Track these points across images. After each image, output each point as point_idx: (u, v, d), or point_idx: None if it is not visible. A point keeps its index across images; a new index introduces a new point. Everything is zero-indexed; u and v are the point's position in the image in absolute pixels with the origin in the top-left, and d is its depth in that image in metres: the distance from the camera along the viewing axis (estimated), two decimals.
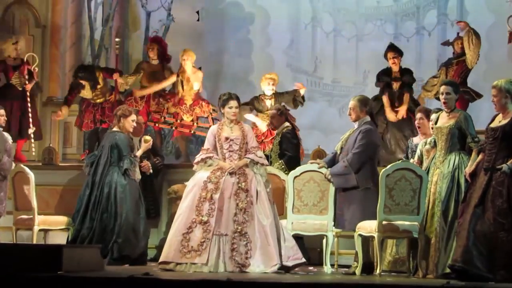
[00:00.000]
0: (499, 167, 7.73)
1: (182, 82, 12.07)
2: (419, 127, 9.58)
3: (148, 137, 10.14)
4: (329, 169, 8.91)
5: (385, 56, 11.95)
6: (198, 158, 8.90)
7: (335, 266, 9.43)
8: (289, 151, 10.43)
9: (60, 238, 10.46)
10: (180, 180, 10.60)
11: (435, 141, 8.65)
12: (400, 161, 8.86)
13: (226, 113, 8.90)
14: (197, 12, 15.56)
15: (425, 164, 8.80)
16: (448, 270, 7.94)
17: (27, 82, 12.37)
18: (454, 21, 15.00)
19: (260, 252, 8.46)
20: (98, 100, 12.35)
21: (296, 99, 11.75)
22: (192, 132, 12.23)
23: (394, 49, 11.92)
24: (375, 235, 8.37)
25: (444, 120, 8.47)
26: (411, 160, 9.16)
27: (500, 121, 7.88)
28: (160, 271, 8.47)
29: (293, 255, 8.61)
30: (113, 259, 9.38)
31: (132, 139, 10.13)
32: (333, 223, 8.96)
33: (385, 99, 11.72)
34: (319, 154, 11.05)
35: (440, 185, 8.37)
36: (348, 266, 9.21)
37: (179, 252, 8.49)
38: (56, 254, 7.37)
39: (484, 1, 14.92)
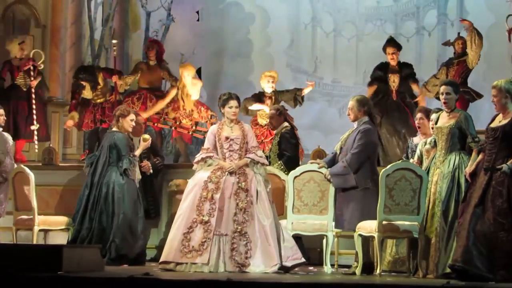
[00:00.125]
0: (499, 167, 7.73)
1: (181, 95, 12.06)
2: (419, 127, 9.58)
3: (146, 136, 10.14)
4: (329, 169, 8.91)
5: (384, 50, 11.97)
6: (198, 157, 8.91)
7: (335, 266, 9.43)
8: (288, 151, 10.43)
9: (60, 239, 10.46)
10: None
11: (435, 141, 8.64)
12: (400, 161, 8.86)
13: (226, 113, 8.90)
14: (197, 12, 15.57)
15: (425, 164, 8.80)
16: (448, 270, 7.94)
17: (32, 79, 12.37)
18: (454, 21, 15.05)
19: (260, 252, 8.46)
20: (98, 100, 12.36)
21: (297, 97, 11.78)
22: (191, 133, 12.21)
23: (393, 44, 11.94)
24: (375, 235, 8.37)
25: (445, 120, 8.47)
26: (411, 160, 9.16)
27: (500, 121, 7.88)
28: (160, 271, 8.47)
29: (293, 255, 8.60)
30: (110, 259, 9.38)
31: (132, 139, 10.14)
32: (333, 223, 8.97)
33: (370, 90, 11.84)
34: (319, 154, 11.05)
35: (440, 185, 8.37)
36: (348, 266, 9.20)
37: (180, 252, 8.49)
38: (56, 254, 7.37)
39: (484, 1, 14.92)
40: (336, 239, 9.30)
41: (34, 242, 9.91)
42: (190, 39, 15.37)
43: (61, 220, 10.20)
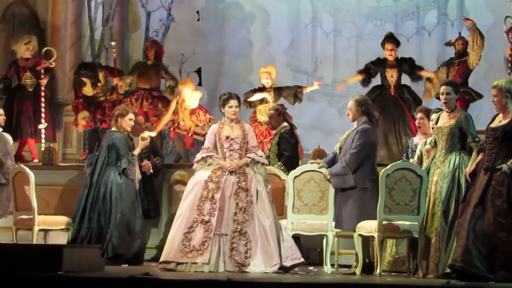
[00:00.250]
0: (499, 167, 7.73)
1: (180, 109, 12.05)
2: (419, 127, 9.58)
3: (145, 135, 10.15)
4: (328, 169, 8.91)
5: (382, 46, 11.98)
6: (198, 156, 8.92)
7: (335, 266, 9.43)
8: (287, 151, 10.43)
9: (60, 238, 10.46)
10: (180, 180, 10.60)
11: (435, 141, 8.64)
12: (400, 161, 8.86)
13: (227, 113, 8.90)
14: (197, 12, 15.56)
15: (425, 164, 8.80)
16: (448, 270, 7.94)
17: (43, 76, 12.33)
18: (454, 21, 15.03)
19: (261, 252, 8.46)
20: (99, 99, 12.36)
21: (297, 94, 11.82)
22: (190, 135, 12.20)
23: (392, 40, 11.95)
24: (375, 235, 8.37)
25: (445, 120, 8.47)
26: (411, 160, 9.16)
27: (500, 121, 7.88)
28: (160, 271, 8.47)
29: (292, 255, 8.60)
30: (108, 258, 9.39)
31: (132, 139, 10.15)
32: (333, 223, 8.96)
33: (359, 77, 12.00)
34: (319, 154, 11.05)
35: (440, 185, 8.37)
36: (348, 266, 9.21)
37: (181, 251, 8.49)
38: (56, 254, 7.37)
39: (484, 1, 14.91)
40: (336, 239, 9.30)
41: (34, 242, 9.91)
42: (190, 39, 15.35)
43: (61, 220, 10.20)
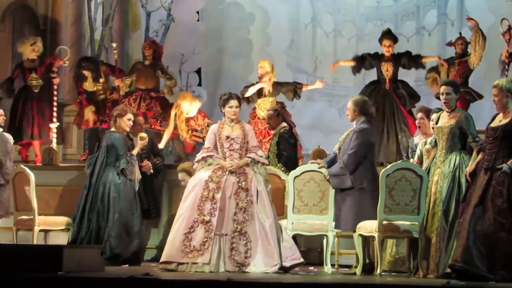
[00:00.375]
0: (499, 167, 7.73)
1: (177, 121, 12.05)
2: (419, 127, 9.58)
3: (143, 135, 10.15)
4: (328, 169, 8.92)
5: (380, 42, 11.99)
6: (199, 156, 8.92)
7: (336, 266, 9.43)
8: (287, 151, 10.44)
9: (60, 239, 10.46)
10: (180, 180, 10.59)
11: (435, 141, 8.64)
12: (400, 161, 8.86)
13: (227, 113, 8.90)
14: (197, 12, 15.56)
15: (425, 164, 8.80)
16: (448, 270, 7.94)
17: (55, 75, 12.32)
18: (454, 21, 15.02)
19: (261, 252, 8.46)
20: (100, 96, 12.36)
21: (297, 90, 11.84)
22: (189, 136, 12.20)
23: (390, 37, 11.96)
24: (376, 235, 8.37)
25: (445, 120, 8.47)
26: (411, 160, 9.16)
27: (500, 120, 7.88)
28: (161, 271, 8.47)
29: (291, 255, 8.60)
30: (106, 258, 9.39)
31: (132, 139, 10.15)
32: (333, 223, 8.97)
33: (352, 63, 12.07)
34: (319, 154, 11.06)
35: (441, 185, 8.37)
36: (349, 266, 9.21)
37: (181, 251, 8.48)
38: (56, 255, 7.37)
39: (484, 1, 14.90)
40: (336, 239, 9.31)
41: (35, 243, 9.92)
42: (190, 39, 15.35)
43: (61, 220, 10.20)
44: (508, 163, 7.70)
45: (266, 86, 11.77)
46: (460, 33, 12.30)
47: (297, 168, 9.30)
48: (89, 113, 12.33)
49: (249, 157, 8.80)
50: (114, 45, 12.69)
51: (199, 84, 15.51)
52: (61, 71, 13.50)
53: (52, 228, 10.19)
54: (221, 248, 8.46)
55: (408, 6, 15.84)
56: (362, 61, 12.07)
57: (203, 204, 8.58)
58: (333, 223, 8.95)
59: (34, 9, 13.59)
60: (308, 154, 11.65)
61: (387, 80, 11.86)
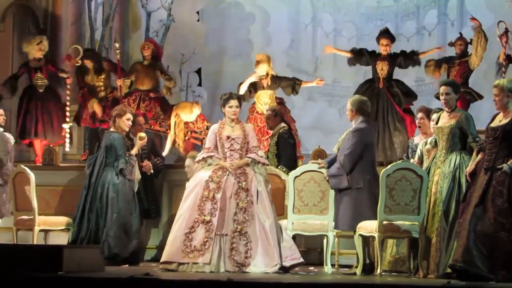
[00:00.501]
0: (499, 167, 7.72)
1: (175, 129, 12.06)
2: (419, 127, 9.58)
3: (142, 134, 10.16)
4: (327, 170, 8.92)
5: (377, 40, 11.99)
6: (199, 156, 8.92)
7: (336, 266, 9.43)
8: (286, 151, 10.44)
9: (61, 239, 10.46)
10: (180, 180, 10.59)
11: (435, 141, 8.64)
12: (400, 161, 8.86)
13: (227, 113, 8.90)
14: (197, 12, 15.56)
15: (425, 164, 8.80)
16: (449, 270, 7.94)
17: (68, 75, 12.28)
18: (454, 21, 15.02)
19: (261, 252, 8.46)
20: (100, 93, 12.35)
21: (295, 86, 11.85)
22: (188, 138, 12.20)
23: (387, 36, 11.96)
24: (376, 235, 8.37)
25: (445, 120, 8.47)
26: (412, 160, 9.16)
27: (500, 120, 7.88)
28: (161, 271, 8.47)
29: (291, 255, 8.60)
30: (104, 258, 9.38)
31: (132, 140, 10.16)
32: (333, 223, 8.97)
33: (348, 54, 12.17)
34: (319, 154, 11.06)
35: (441, 185, 8.37)
36: (349, 266, 9.21)
37: (182, 252, 8.49)
38: (57, 255, 7.37)
39: (484, 1, 14.89)
40: (336, 239, 9.31)
41: (35, 243, 9.92)
42: (190, 39, 15.33)
43: (62, 220, 10.21)
44: (508, 163, 7.70)
45: (255, 78, 11.68)
46: (460, 33, 12.30)
47: (297, 168, 9.31)
48: (94, 105, 12.29)
49: (250, 157, 8.80)
50: (117, 45, 12.67)
51: (199, 84, 15.50)
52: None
53: (52, 228, 10.20)
54: (222, 248, 8.47)
55: (408, 6, 15.83)
56: (359, 56, 12.09)
57: (204, 204, 8.58)
58: (333, 223, 8.95)
59: (34, 9, 13.58)
60: (308, 154, 11.65)
61: (381, 79, 11.87)
